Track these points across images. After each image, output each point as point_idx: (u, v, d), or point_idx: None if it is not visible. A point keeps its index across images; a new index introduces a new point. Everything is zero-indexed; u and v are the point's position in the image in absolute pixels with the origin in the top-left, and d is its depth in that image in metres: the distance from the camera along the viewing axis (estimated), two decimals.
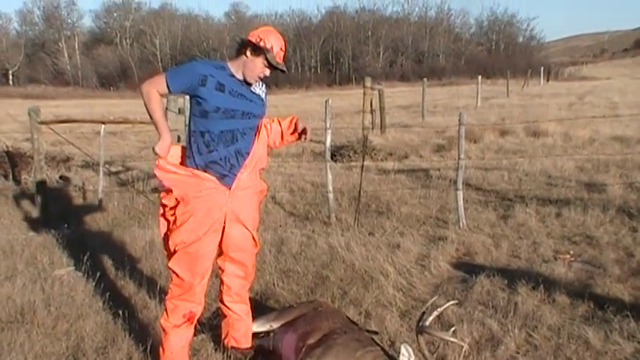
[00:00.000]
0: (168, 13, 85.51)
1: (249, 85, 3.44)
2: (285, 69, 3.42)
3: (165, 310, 3.50)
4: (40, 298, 4.66)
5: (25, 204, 8.57)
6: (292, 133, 3.73)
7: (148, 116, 3.43)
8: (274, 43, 3.38)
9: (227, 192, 3.40)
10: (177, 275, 3.42)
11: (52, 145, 12.99)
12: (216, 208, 3.39)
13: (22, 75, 78.27)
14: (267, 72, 3.42)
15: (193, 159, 3.40)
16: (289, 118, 3.75)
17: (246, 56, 3.37)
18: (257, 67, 3.38)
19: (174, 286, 3.46)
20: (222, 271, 3.62)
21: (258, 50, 3.35)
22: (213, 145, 3.37)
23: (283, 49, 3.44)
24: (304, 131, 3.66)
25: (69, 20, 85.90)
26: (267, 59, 3.36)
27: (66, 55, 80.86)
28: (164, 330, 3.50)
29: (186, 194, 3.33)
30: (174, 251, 3.40)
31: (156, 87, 3.36)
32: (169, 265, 3.45)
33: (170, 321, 3.47)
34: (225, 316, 3.71)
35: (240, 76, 3.41)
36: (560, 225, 6.94)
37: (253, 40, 3.36)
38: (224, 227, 3.46)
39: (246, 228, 3.53)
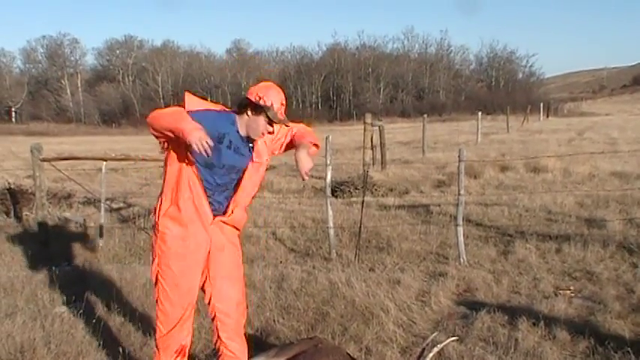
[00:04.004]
0: (171, 50, 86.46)
1: (250, 140, 3.44)
2: (288, 123, 3.42)
3: (157, 349, 3.52)
4: (40, 336, 4.65)
5: (26, 241, 8.57)
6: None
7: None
8: (274, 100, 3.32)
9: (211, 219, 3.43)
10: (163, 311, 3.45)
11: (53, 182, 13.01)
12: (202, 243, 3.43)
13: (25, 112, 79.05)
14: (271, 129, 3.40)
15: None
16: (309, 139, 3.54)
17: (248, 115, 3.35)
18: (260, 125, 3.35)
19: (160, 323, 3.47)
20: (213, 312, 3.57)
21: (258, 109, 3.32)
22: (209, 192, 3.41)
23: (284, 103, 3.39)
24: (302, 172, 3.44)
25: (72, 58, 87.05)
26: (268, 117, 3.33)
27: (69, 92, 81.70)
28: None
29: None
30: (161, 286, 3.44)
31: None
32: (156, 300, 3.48)
33: (162, 359, 3.50)
34: (221, 355, 3.69)
35: (244, 133, 3.41)
36: (560, 261, 6.92)
37: (253, 99, 3.32)
38: (209, 259, 3.48)
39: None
